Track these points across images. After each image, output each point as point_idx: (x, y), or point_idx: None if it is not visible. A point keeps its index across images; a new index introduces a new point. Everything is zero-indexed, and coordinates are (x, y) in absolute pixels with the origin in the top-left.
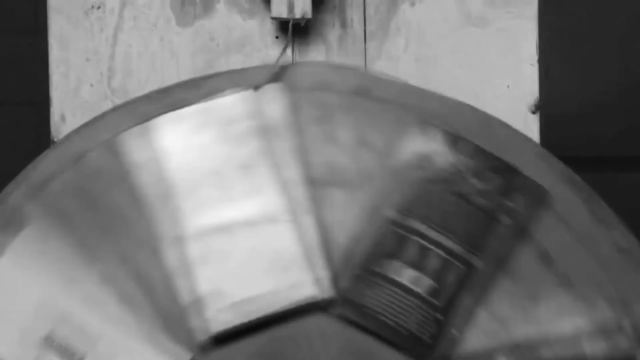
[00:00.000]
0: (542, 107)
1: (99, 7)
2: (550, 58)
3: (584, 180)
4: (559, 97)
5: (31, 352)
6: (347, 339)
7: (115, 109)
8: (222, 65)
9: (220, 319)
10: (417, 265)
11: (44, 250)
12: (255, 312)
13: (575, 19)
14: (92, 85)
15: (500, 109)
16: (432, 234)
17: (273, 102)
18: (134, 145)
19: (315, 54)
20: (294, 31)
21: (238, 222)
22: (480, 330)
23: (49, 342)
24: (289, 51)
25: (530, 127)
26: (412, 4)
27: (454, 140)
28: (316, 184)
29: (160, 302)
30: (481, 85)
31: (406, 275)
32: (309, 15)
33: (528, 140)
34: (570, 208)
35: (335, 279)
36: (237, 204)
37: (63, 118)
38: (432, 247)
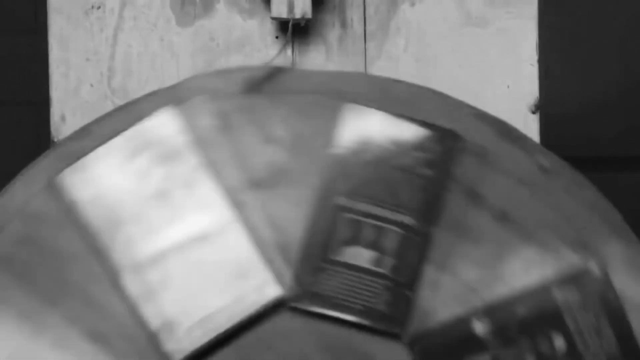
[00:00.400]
0: (542, 107)
1: (99, 7)
2: (550, 58)
3: None
4: (559, 97)
5: None
6: (319, 332)
7: (46, 154)
8: (223, 65)
9: (192, 337)
10: (375, 246)
11: (3, 301)
12: (225, 323)
13: (575, 19)
14: (92, 85)
15: (500, 109)
16: (385, 212)
17: (201, 114)
18: (73, 185)
19: (315, 54)
20: (294, 31)
21: (191, 238)
22: (450, 298)
23: None
24: (289, 51)
25: (530, 127)
26: (412, 4)
27: (387, 116)
28: (260, 186)
29: (130, 332)
30: (481, 85)
31: (366, 258)
32: (309, 15)
33: (460, 103)
34: (513, 160)
35: (296, 275)
36: (187, 221)
37: (63, 118)
38: (386, 225)
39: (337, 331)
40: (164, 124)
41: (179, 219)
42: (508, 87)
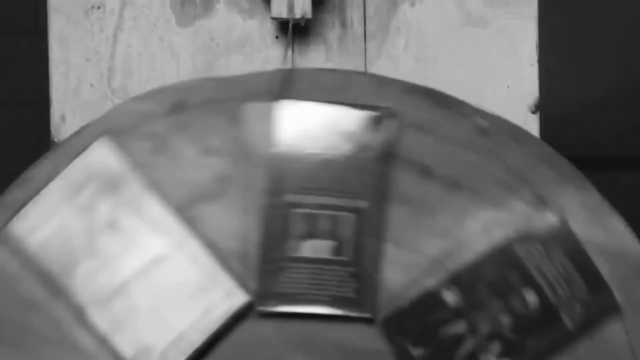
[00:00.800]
0: (542, 107)
1: (99, 7)
2: (550, 58)
3: None
4: (559, 97)
5: None
6: (292, 331)
7: None
8: (222, 65)
9: (169, 359)
10: (332, 236)
11: None
12: (198, 338)
13: (575, 19)
14: (92, 85)
15: (500, 109)
16: (336, 201)
17: (135, 139)
18: (22, 233)
19: (315, 54)
20: (294, 31)
21: (150, 263)
22: (416, 273)
23: None
24: (289, 51)
25: (530, 127)
26: (412, 4)
27: (320, 106)
28: (208, 198)
29: None
30: (481, 85)
31: (325, 249)
32: (309, 15)
33: (389, 80)
34: (452, 127)
35: (259, 279)
36: (142, 247)
37: (63, 118)
38: (339, 213)
39: (310, 326)
40: (100, 156)
41: (134, 246)
42: (508, 87)
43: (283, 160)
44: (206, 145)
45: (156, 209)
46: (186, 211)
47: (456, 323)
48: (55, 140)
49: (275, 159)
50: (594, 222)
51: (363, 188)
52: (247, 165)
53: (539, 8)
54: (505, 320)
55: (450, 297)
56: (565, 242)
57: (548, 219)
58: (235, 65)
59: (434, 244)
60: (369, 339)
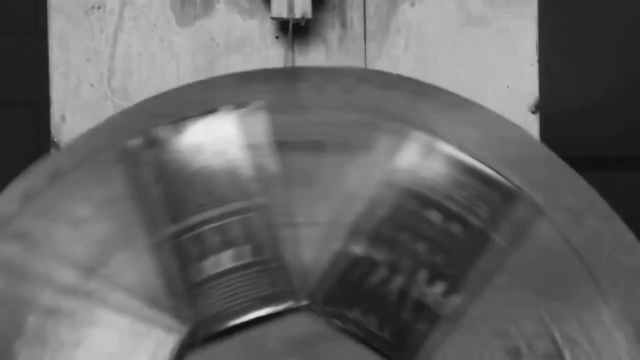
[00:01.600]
0: (542, 107)
1: (99, 7)
2: (550, 58)
3: (585, 181)
4: (559, 97)
5: None
6: (233, 347)
7: None
8: (222, 66)
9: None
10: (226, 245)
11: None
12: None
13: (575, 19)
14: (92, 85)
15: (500, 109)
16: (214, 212)
17: None
18: None
19: (315, 54)
20: (294, 31)
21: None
22: (318, 243)
23: None
24: (289, 52)
25: (530, 127)
26: (412, 4)
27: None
28: (95, 269)
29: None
30: (481, 85)
31: (225, 260)
32: (309, 15)
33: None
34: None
35: (177, 316)
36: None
37: (63, 118)
38: (224, 221)
39: (256, 332)
40: None
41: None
42: (508, 87)
43: (142, 196)
44: (76, 214)
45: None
46: (82, 288)
47: (376, 271)
48: (55, 140)
49: (136, 200)
50: (488, 141)
51: (233, 192)
52: (112, 216)
53: (539, 8)
54: (422, 247)
55: (359, 249)
56: (462, 164)
57: (442, 148)
58: (235, 65)
59: (321, 210)
60: (312, 323)
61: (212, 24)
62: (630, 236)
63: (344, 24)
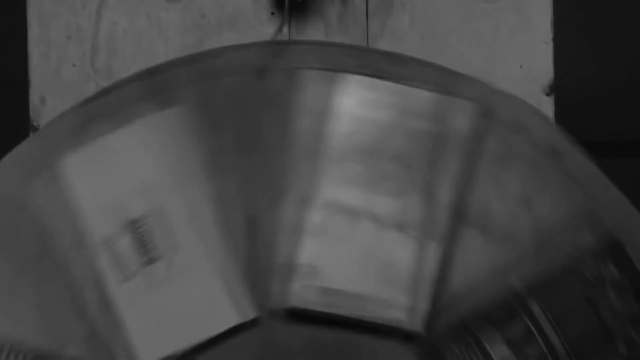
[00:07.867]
0: (557, 89)
1: None
2: (566, 35)
3: (603, 167)
4: (576, 78)
5: (112, 226)
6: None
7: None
8: (214, 44)
9: (301, 295)
10: (512, 344)
11: (175, 139)
12: (336, 307)
13: None
14: (74, 65)
15: (512, 90)
16: (543, 320)
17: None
18: None
19: (314, 32)
20: (291, 7)
21: (366, 213)
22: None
23: (134, 226)
24: (285, 29)
25: (545, 110)
26: None
27: (609, 242)
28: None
29: (252, 249)
30: (491, 65)
31: (498, 350)
32: None
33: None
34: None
35: (430, 317)
36: (371, 195)
37: (43, 100)
38: (536, 333)
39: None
40: None
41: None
42: (521, 67)
43: (558, 267)
44: (526, 193)
45: (443, 200)
46: (461, 224)
47: None
48: (35, 124)
49: (555, 258)
50: None
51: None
52: (535, 235)
53: None
54: None
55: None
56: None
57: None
58: (228, 44)
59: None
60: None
61: (202, 0)
62: None
63: (344, 0)
